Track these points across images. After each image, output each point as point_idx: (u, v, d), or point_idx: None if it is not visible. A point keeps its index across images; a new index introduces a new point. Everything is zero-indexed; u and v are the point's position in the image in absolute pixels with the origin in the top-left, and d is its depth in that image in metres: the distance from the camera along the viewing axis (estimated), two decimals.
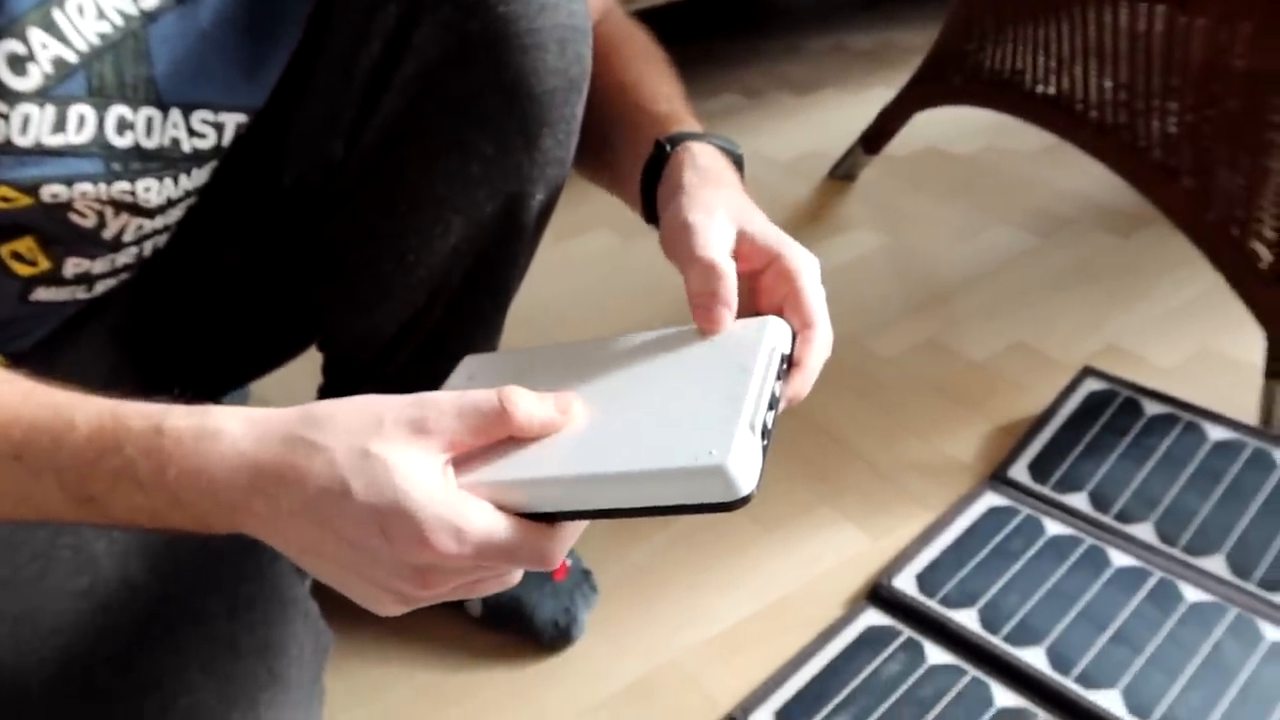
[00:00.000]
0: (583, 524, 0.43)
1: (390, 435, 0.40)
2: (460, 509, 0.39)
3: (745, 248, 0.51)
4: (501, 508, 0.40)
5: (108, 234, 0.57)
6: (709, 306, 0.48)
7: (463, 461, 0.41)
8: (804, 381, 0.48)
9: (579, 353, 0.50)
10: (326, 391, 0.81)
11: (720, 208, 0.51)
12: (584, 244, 1.43)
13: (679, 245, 0.50)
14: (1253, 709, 0.74)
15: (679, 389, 0.44)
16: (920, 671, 0.79)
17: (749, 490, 0.39)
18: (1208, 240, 1.02)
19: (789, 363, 0.46)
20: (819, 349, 0.48)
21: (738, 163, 0.59)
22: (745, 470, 0.38)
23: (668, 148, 0.57)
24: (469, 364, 0.53)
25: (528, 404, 0.42)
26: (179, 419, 0.41)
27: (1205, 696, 0.75)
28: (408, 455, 0.39)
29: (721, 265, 0.48)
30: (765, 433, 0.41)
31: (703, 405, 0.42)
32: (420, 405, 0.41)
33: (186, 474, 0.40)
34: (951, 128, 1.63)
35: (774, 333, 0.46)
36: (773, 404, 0.43)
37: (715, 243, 0.49)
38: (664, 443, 0.40)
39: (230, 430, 0.40)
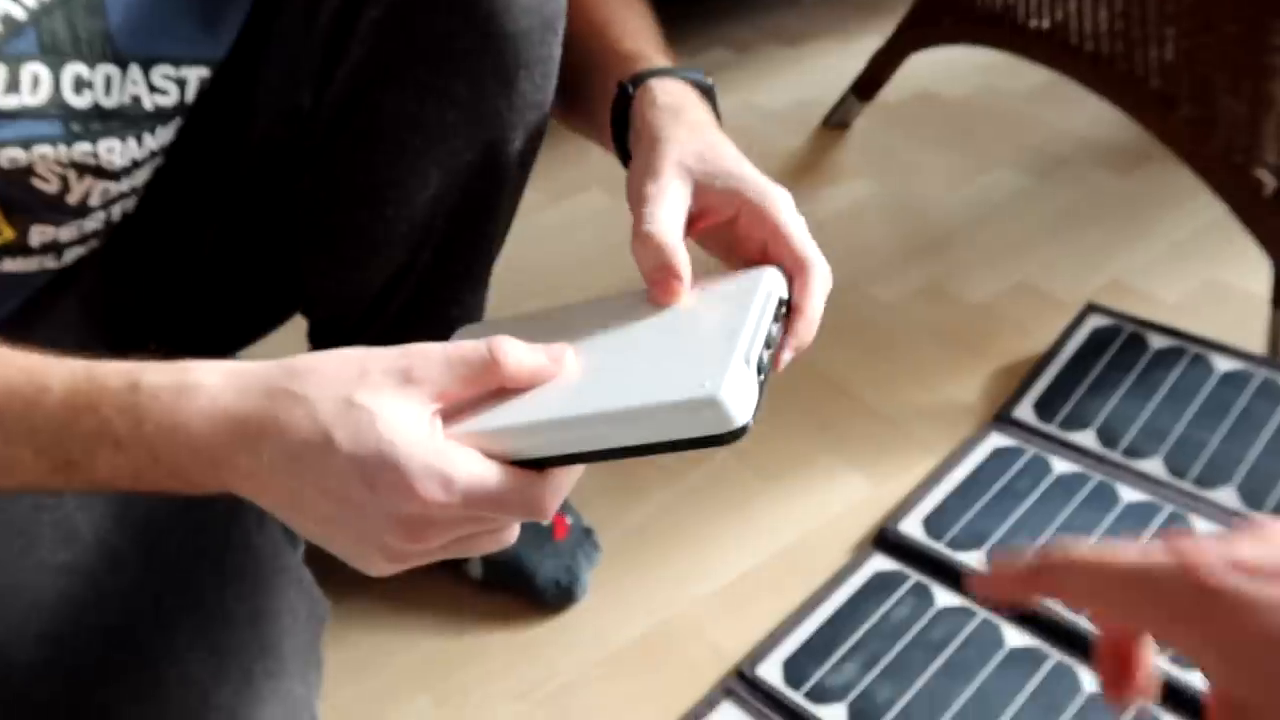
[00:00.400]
0: (576, 471, 0.41)
1: (376, 385, 0.38)
2: (447, 456, 0.38)
3: (706, 200, 0.49)
4: (492, 456, 0.39)
5: (72, 199, 0.55)
6: (659, 282, 0.46)
7: (451, 413, 0.40)
8: (807, 325, 0.46)
9: (573, 313, 0.49)
10: None
11: (669, 167, 0.49)
12: (577, 205, 1.41)
13: (633, 215, 0.49)
14: None
15: (672, 334, 0.44)
16: (930, 615, 0.78)
17: (744, 421, 0.37)
18: (1210, 169, 0.99)
19: (788, 307, 0.45)
20: (817, 288, 0.47)
21: (706, 93, 0.57)
22: (740, 401, 0.37)
23: (630, 89, 0.55)
24: (462, 333, 0.52)
25: (518, 352, 0.41)
26: (156, 375, 0.39)
27: None
28: (393, 405, 0.38)
29: (660, 238, 0.47)
30: (761, 369, 0.40)
31: (696, 344, 0.41)
32: (407, 355, 0.39)
33: (165, 430, 0.39)
34: (945, 70, 1.60)
35: (770, 279, 0.45)
36: (769, 343, 0.42)
37: (660, 215, 0.47)
38: (656, 379, 0.39)
39: (209, 384, 0.39)
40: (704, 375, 0.38)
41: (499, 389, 0.41)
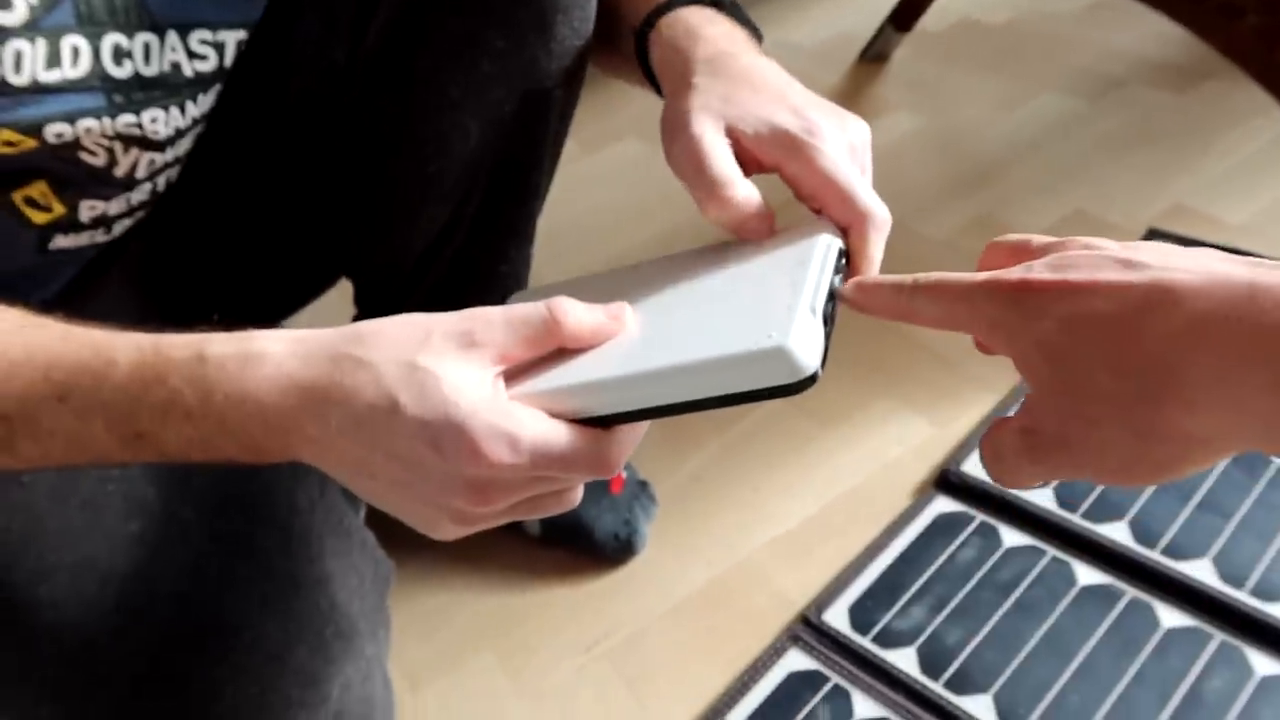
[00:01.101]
0: (642, 427, 0.41)
1: (438, 349, 0.38)
2: (513, 416, 0.37)
3: (742, 148, 0.47)
4: (556, 416, 0.38)
5: (119, 171, 0.55)
6: (752, 231, 0.45)
7: (514, 374, 0.40)
8: (867, 275, 0.44)
9: (628, 274, 0.48)
10: (361, 320, 0.79)
11: (698, 118, 0.46)
12: (613, 155, 1.39)
13: (681, 173, 0.47)
14: None
15: (733, 289, 0.43)
16: (997, 555, 0.77)
17: (813, 369, 0.37)
18: (1277, 80, 0.95)
19: (847, 258, 0.44)
20: (874, 237, 0.45)
21: (719, 4, 0.54)
22: (808, 350, 0.37)
23: (648, 32, 0.53)
24: (516, 299, 0.51)
25: (578, 311, 0.40)
26: (221, 345, 0.39)
27: None
28: (457, 367, 0.38)
29: (738, 197, 0.45)
30: (827, 319, 0.39)
31: (759, 298, 0.40)
32: (468, 319, 0.39)
33: (233, 399, 0.39)
34: None
35: (828, 232, 0.44)
36: (832, 295, 0.41)
37: (721, 171, 0.45)
38: (721, 332, 0.39)
39: (275, 352, 0.39)
40: (770, 326, 0.37)
41: (560, 350, 0.40)
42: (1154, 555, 0.74)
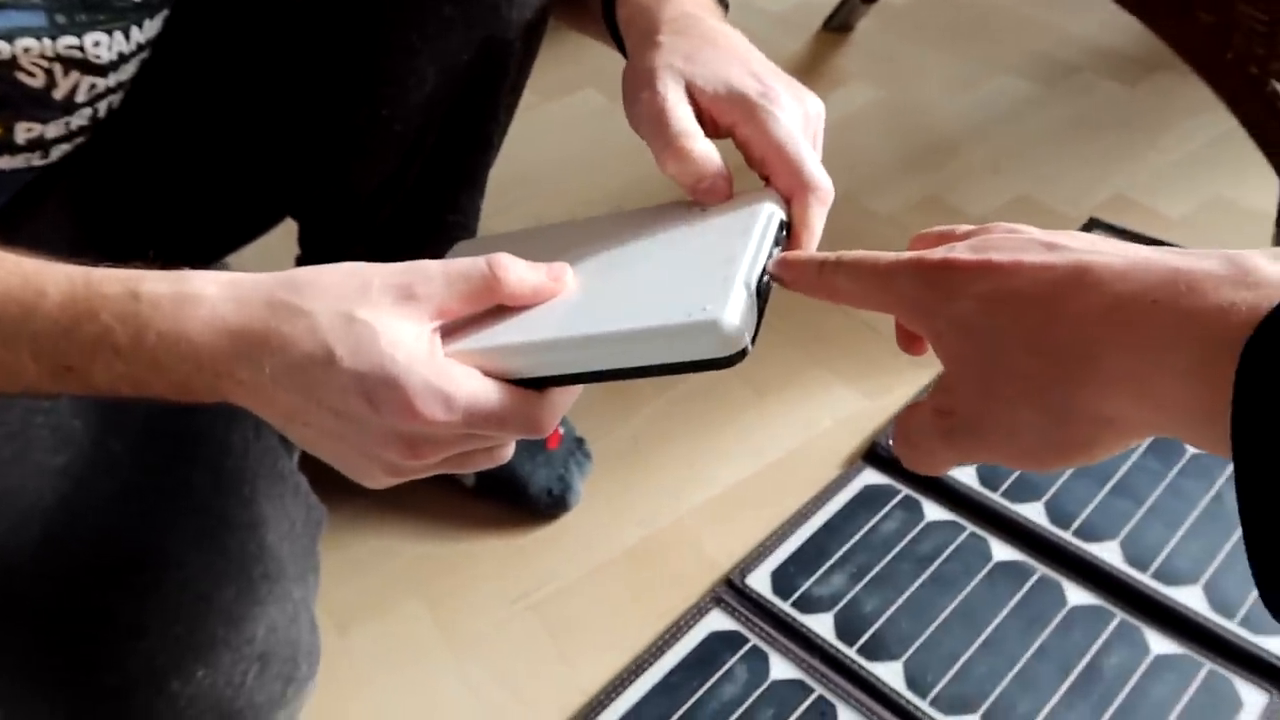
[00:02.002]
0: (575, 390, 0.41)
1: (376, 301, 0.38)
2: (448, 374, 0.38)
3: (699, 106, 0.47)
4: (491, 375, 0.39)
5: (58, 94, 0.53)
6: (707, 189, 0.45)
7: (451, 330, 0.40)
8: (806, 246, 0.45)
9: (573, 231, 0.48)
10: (305, 262, 0.78)
11: (661, 73, 0.47)
12: (571, 105, 1.38)
13: (642, 128, 0.47)
14: None
15: (673, 256, 0.43)
16: (919, 528, 0.79)
17: (744, 345, 0.37)
18: (1224, 80, 0.97)
19: (788, 229, 0.45)
20: (816, 210, 0.45)
21: None
22: (740, 325, 0.37)
23: None
24: (461, 249, 0.51)
25: (518, 269, 0.40)
26: (156, 284, 0.39)
27: (1204, 546, 0.75)
28: (394, 321, 0.38)
29: (696, 149, 0.45)
30: (761, 292, 0.40)
31: (698, 267, 0.41)
32: (408, 272, 0.39)
33: (167, 339, 0.38)
34: None
35: (771, 201, 0.44)
36: (769, 268, 0.41)
37: (681, 125, 0.45)
38: (657, 301, 0.39)
39: (210, 295, 0.39)
40: (705, 298, 0.38)
41: (499, 306, 0.40)
42: (1066, 536, 0.77)
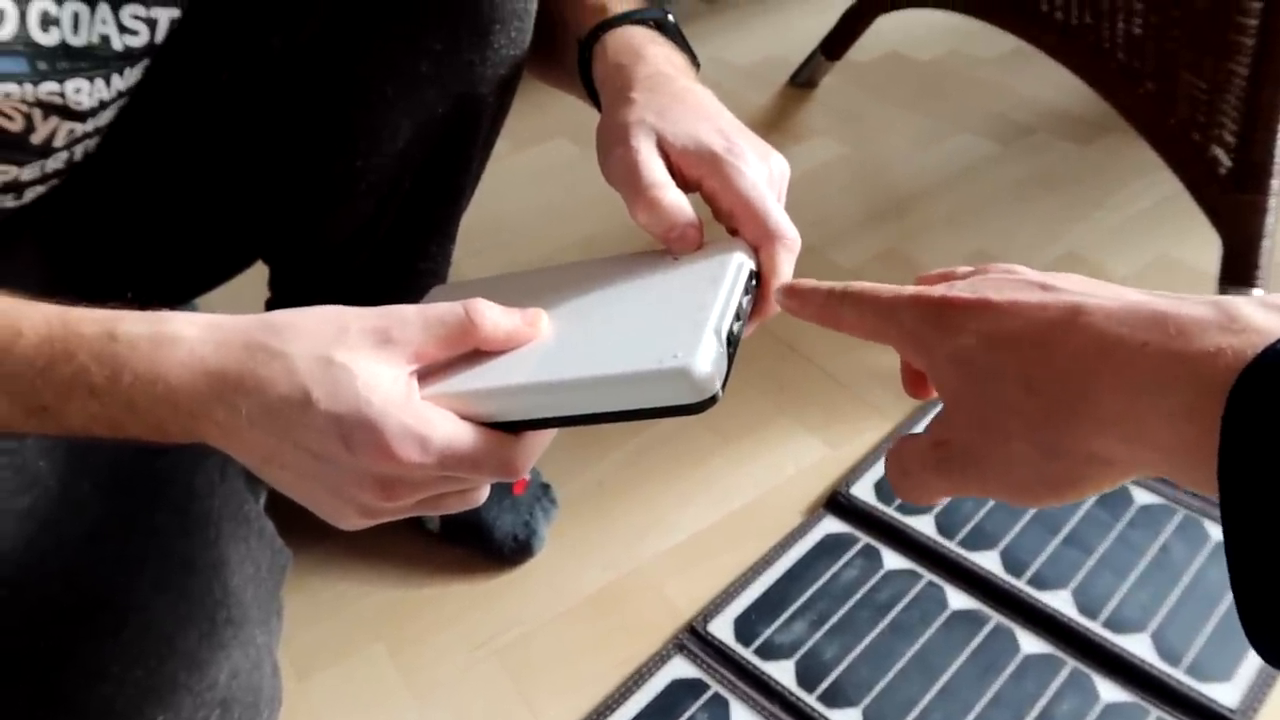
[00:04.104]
0: (549, 434, 0.42)
1: (354, 344, 0.39)
2: (424, 417, 0.38)
3: (670, 161, 0.48)
4: (466, 418, 0.39)
5: (36, 139, 0.54)
6: (679, 239, 0.46)
7: (427, 374, 0.41)
8: (774, 298, 0.47)
9: (546, 277, 0.49)
10: (274, 305, 0.78)
11: (633, 128, 0.48)
12: (542, 154, 1.40)
13: (615, 181, 0.49)
14: (1198, 606, 0.76)
15: (645, 304, 0.44)
16: (878, 576, 0.80)
17: (714, 392, 0.38)
18: (1168, 145, 1.01)
19: (758, 279, 0.46)
20: (784, 261, 0.47)
21: (663, 27, 0.56)
22: (710, 372, 0.38)
23: (593, 44, 0.55)
24: (436, 294, 0.52)
25: (494, 315, 0.41)
26: (134, 325, 0.39)
27: (1152, 595, 0.77)
28: (371, 364, 0.38)
29: (667, 199, 0.46)
30: (732, 340, 0.41)
31: (670, 315, 0.42)
32: (385, 316, 0.40)
33: (143, 381, 0.38)
34: (914, 32, 1.60)
35: (741, 252, 0.46)
36: (739, 315, 0.43)
37: (654, 176, 0.47)
38: (629, 348, 0.40)
39: (188, 336, 0.39)
40: (676, 346, 0.39)
41: (475, 350, 0.41)
42: (1019, 584, 0.78)
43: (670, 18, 0.56)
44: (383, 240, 0.68)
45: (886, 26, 1.44)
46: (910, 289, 0.38)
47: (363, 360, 0.38)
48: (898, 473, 0.38)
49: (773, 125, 1.45)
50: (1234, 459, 0.27)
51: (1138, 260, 1.14)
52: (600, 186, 0.50)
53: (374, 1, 0.57)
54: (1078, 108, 1.42)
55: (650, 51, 0.54)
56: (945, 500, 0.83)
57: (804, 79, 1.53)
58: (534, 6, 0.60)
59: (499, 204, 1.27)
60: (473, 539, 0.83)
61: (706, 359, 0.38)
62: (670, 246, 0.47)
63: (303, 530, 0.54)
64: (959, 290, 0.36)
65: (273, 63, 0.60)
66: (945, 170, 1.33)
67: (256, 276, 0.79)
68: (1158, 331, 0.30)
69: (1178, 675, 0.72)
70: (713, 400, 0.39)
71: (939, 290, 0.37)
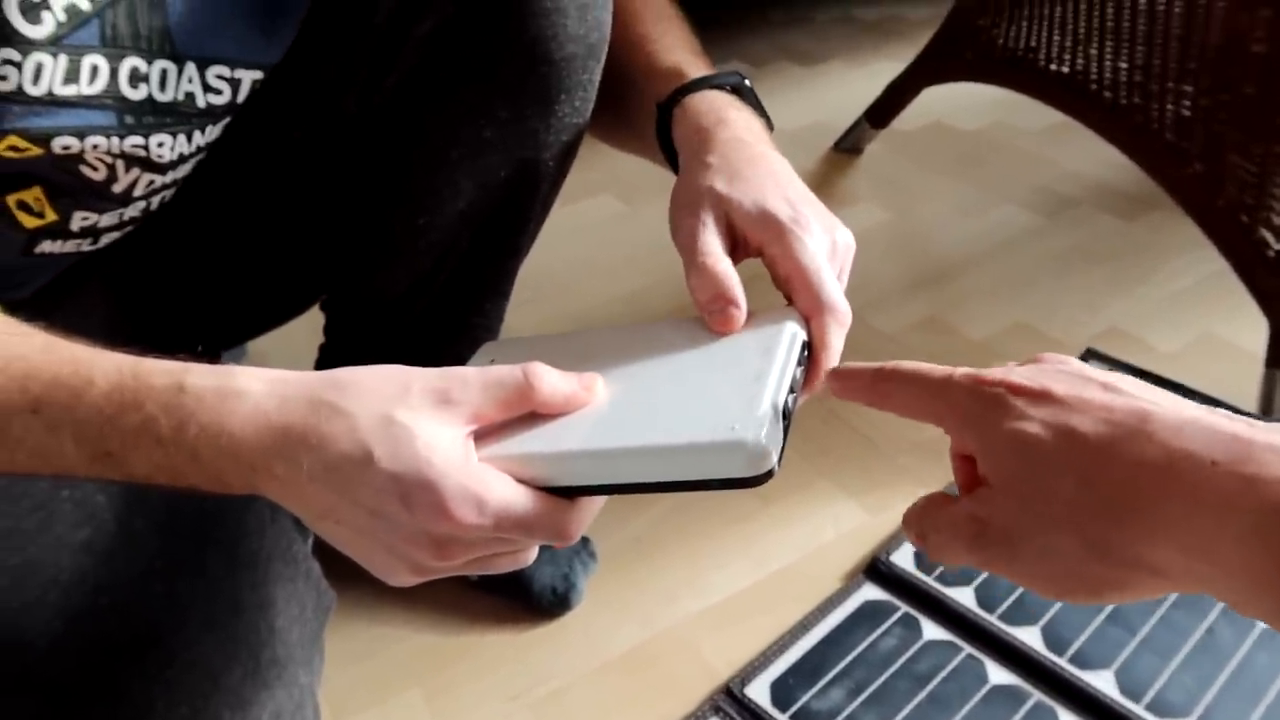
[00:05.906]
0: (601, 500, 0.42)
1: (415, 404, 0.39)
2: (481, 479, 0.39)
3: (734, 227, 0.50)
4: (522, 481, 0.40)
5: (118, 188, 0.56)
6: (717, 311, 0.47)
7: (485, 435, 0.41)
8: (825, 366, 0.47)
9: (600, 339, 0.50)
10: (327, 351, 0.80)
11: (702, 195, 0.50)
12: (588, 209, 1.42)
13: (678, 245, 0.50)
14: (1244, 693, 0.74)
15: (700, 371, 0.44)
16: (917, 646, 0.80)
17: (770, 466, 0.39)
18: (1216, 226, 1.01)
19: (810, 349, 0.46)
20: (835, 333, 0.47)
21: (740, 91, 0.57)
22: (767, 445, 0.39)
23: (672, 108, 0.57)
24: (488, 350, 0.53)
25: (552, 379, 0.42)
26: (201, 377, 0.40)
27: (1197, 678, 0.76)
28: (431, 425, 0.39)
29: (716, 268, 0.47)
30: (786, 414, 0.41)
31: (726, 385, 0.42)
32: (445, 377, 0.41)
33: (208, 433, 0.39)
34: (959, 103, 1.62)
35: (794, 320, 0.46)
36: (793, 388, 0.43)
37: (710, 244, 0.48)
38: (687, 419, 0.40)
39: (254, 391, 0.40)
40: (734, 418, 0.39)
41: (532, 413, 0.42)
42: (1061, 662, 0.77)
43: (746, 81, 0.58)
44: (439, 294, 0.70)
45: (932, 97, 1.45)
46: (962, 370, 0.38)
47: (423, 420, 0.39)
48: (926, 529, 0.38)
49: (817, 190, 1.45)
50: None
51: (1181, 337, 1.14)
52: (644, 243, 0.51)
53: (446, 70, 0.60)
54: (1122, 182, 1.43)
55: (730, 116, 0.55)
56: (986, 573, 0.82)
57: (849, 145, 1.55)
58: (598, 76, 0.62)
59: (544, 258, 1.28)
60: (511, 590, 0.83)
61: (764, 432, 0.39)
62: (708, 320, 0.47)
63: (344, 572, 0.55)
64: (1019, 377, 0.36)
65: (345, 123, 0.63)
66: (988, 240, 1.33)
67: (307, 320, 0.81)
68: (1227, 452, 0.30)
69: None
70: (769, 474, 0.39)
71: (997, 373, 0.37)
